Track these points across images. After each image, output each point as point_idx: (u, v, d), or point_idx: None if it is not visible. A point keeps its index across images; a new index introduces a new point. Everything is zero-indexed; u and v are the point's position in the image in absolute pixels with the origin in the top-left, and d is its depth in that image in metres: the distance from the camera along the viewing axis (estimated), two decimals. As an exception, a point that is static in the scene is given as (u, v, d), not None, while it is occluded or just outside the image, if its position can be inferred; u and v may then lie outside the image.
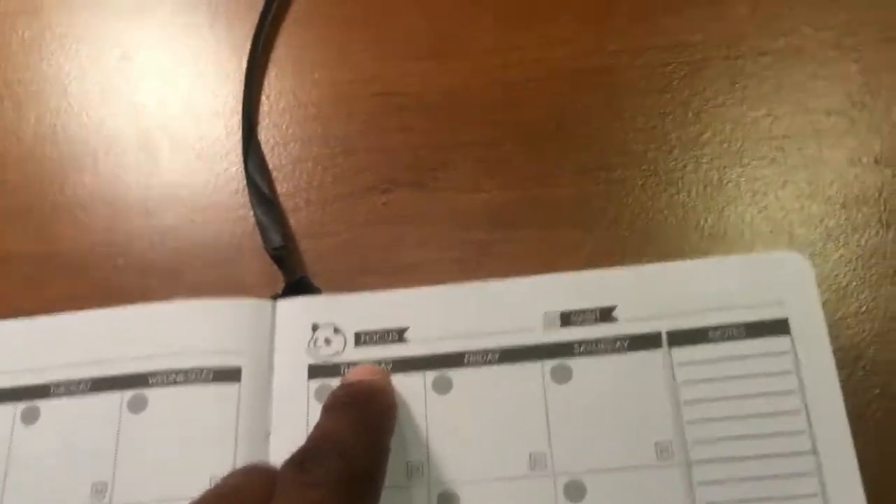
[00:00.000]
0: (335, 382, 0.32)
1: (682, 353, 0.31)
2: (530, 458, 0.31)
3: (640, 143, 0.38)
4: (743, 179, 0.37)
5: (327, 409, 0.29)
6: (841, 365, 0.33)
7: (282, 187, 0.39)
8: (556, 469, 0.31)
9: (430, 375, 0.32)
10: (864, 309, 0.35)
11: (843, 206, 0.36)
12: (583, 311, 0.32)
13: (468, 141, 0.39)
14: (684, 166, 0.38)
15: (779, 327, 0.31)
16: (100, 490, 0.32)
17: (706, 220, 0.37)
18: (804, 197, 0.37)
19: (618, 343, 0.32)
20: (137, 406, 0.33)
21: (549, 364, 0.32)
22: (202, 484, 0.26)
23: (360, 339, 0.33)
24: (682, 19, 0.40)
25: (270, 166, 0.40)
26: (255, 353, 0.33)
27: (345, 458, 0.26)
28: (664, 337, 0.32)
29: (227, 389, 0.33)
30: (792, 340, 0.31)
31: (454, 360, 0.33)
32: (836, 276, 0.35)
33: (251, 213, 0.38)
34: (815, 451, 0.30)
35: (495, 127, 0.39)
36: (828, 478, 0.29)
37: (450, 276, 0.36)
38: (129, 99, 0.42)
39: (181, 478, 0.31)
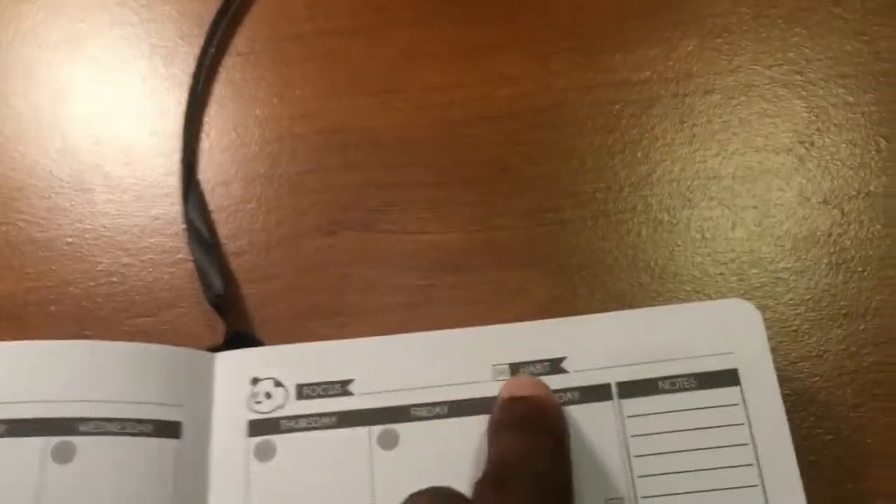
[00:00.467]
0: (276, 439, 0.31)
1: (633, 404, 0.31)
2: (479, 515, 0.30)
3: (588, 183, 0.38)
4: (693, 220, 0.37)
5: (507, 427, 0.29)
6: (793, 410, 0.33)
7: (223, 230, 0.38)
8: (505, 528, 0.30)
9: (376, 430, 0.31)
10: (814, 353, 0.34)
11: (793, 248, 0.36)
12: (532, 363, 0.32)
13: (414, 181, 0.38)
14: (634, 207, 0.37)
15: (729, 378, 0.31)
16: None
17: (656, 262, 0.36)
18: (754, 238, 0.36)
19: (568, 394, 0.31)
20: (64, 456, 0.30)
21: (498, 417, 0.31)
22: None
23: (303, 391, 0.32)
24: (629, 56, 0.40)
25: (211, 207, 0.39)
26: (195, 407, 0.32)
27: (541, 480, 0.27)
28: (614, 388, 0.31)
29: (166, 445, 0.31)
30: (742, 391, 0.30)
31: (401, 413, 0.32)
32: (787, 319, 0.35)
33: (191, 257, 0.37)
34: (767, 504, 0.29)
35: (442, 166, 0.39)
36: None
37: (396, 321, 0.36)
38: (63, 137, 0.41)
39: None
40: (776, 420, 0.30)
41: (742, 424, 0.30)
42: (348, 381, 0.32)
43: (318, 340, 0.33)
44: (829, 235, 0.36)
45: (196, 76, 0.41)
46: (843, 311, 0.35)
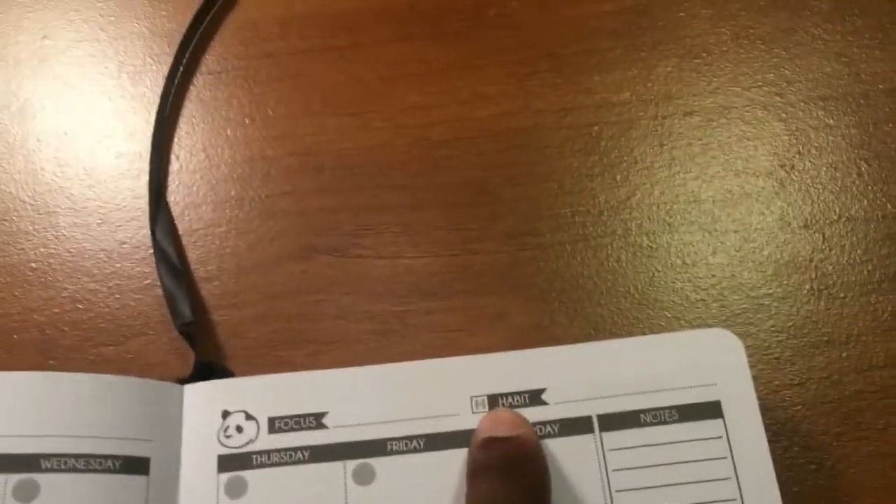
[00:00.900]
0: (247, 474, 0.30)
1: (614, 437, 0.30)
2: (457, 551, 0.29)
3: (567, 206, 0.37)
4: (673, 245, 0.36)
5: (485, 470, 0.28)
6: (776, 439, 0.32)
7: (193, 254, 0.37)
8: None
9: (351, 465, 0.30)
10: (797, 381, 0.34)
11: (774, 273, 0.36)
12: (511, 394, 0.31)
13: (389, 204, 0.38)
14: (613, 231, 0.37)
15: (711, 410, 0.30)
16: None
17: (636, 288, 0.36)
18: (735, 264, 0.36)
19: (548, 427, 0.30)
20: (26, 494, 0.29)
21: (476, 451, 0.30)
22: None
23: (275, 425, 0.31)
24: (608, 77, 0.39)
25: (180, 231, 0.38)
26: (164, 441, 0.31)
27: None
28: (595, 421, 0.30)
29: (135, 482, 0.30)
30: (725, 423, 0.30)
31: (376, 447, 0.31)
32: (769, 346, 0.34)
33: (159, 283, 0.36)
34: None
35: (418, 189, 0.38)
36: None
37: (371, 349, 0.35)
38: (27, 158, 0.39)
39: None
40: (759, 453, 0.30)
41: (725, 458, 0.30)
42: (322, 414, 0.31)
43: (290, 370, 0.32)
44: (811, 261, 0.36)
45: (165, 95, 0.40)
46: (825, 339, 0.34)
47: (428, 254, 0.37)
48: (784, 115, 0.39)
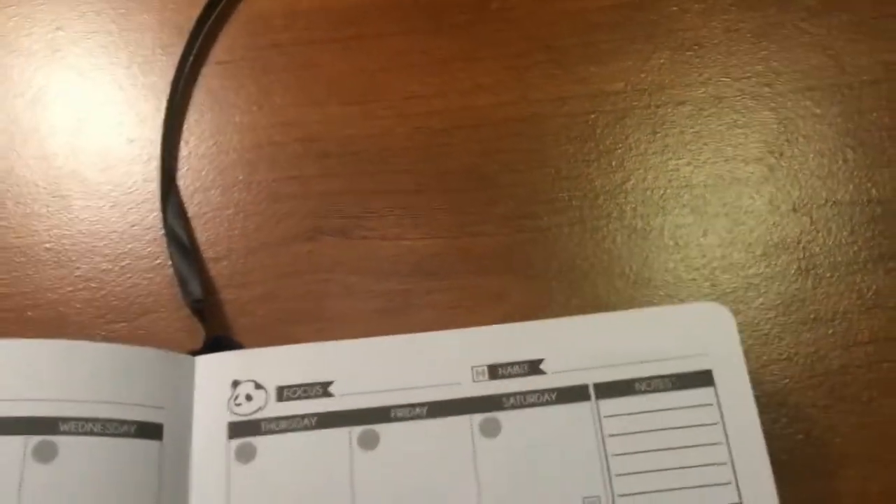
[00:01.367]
0: (257, 441, 0.31)
1: (610, 405, 0.31)
2: (459, 514, 0.30)
3: (564, 190, 0.38)
4: (666, 227, 0.38)
5: None
6: (765, 411, 0.33)
7: (202, 236, 0.38)
8: (485, 525, 0.30)
9: (356, 431, 0.32)
10: (785, 356, 0.35)
11: (764, 254, 0.37)
12: (511, 364, 0.32)
13: (392, 189, 0.39)
14: (609, 214, 0.38)
15: (703, 379, 0.31)
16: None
17: (631, 268, 0.37)
18: (725, 245, 0.37)
19: (546, 396, 0.32)
20: (45, 455, 0.30)
21: (478, 418, 0.31)
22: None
23: (283, 394, 0.32)
24: (603, 68, 0.41)
25: (190, 214, 0.39)
26: (177, 409, 0.32)
27: None
28: (591, 389, 0.32)
29: (148, 446, 0.31)
30: (716, 391, 0.31)
31: (381, 414, 0.32)
32: (758, 323, 0.36)
33: (170, 262, 0.37)
34: (740, 502, 0.30)
35: (420, 174, 0.39)
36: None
37: (375, 326, 0.36)
38: (40, 144, 0.41)
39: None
40: (749, 420, 0.31)
41: (716, 424, 0.31)
42: (328, 383, 0.32)
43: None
44: (799, 242, 0.37)
45: (175, 83, 0.41)
46: (812, 316, 0.36)
47: (430, 235, 0.38)
48: (773, 105, 0.40)
